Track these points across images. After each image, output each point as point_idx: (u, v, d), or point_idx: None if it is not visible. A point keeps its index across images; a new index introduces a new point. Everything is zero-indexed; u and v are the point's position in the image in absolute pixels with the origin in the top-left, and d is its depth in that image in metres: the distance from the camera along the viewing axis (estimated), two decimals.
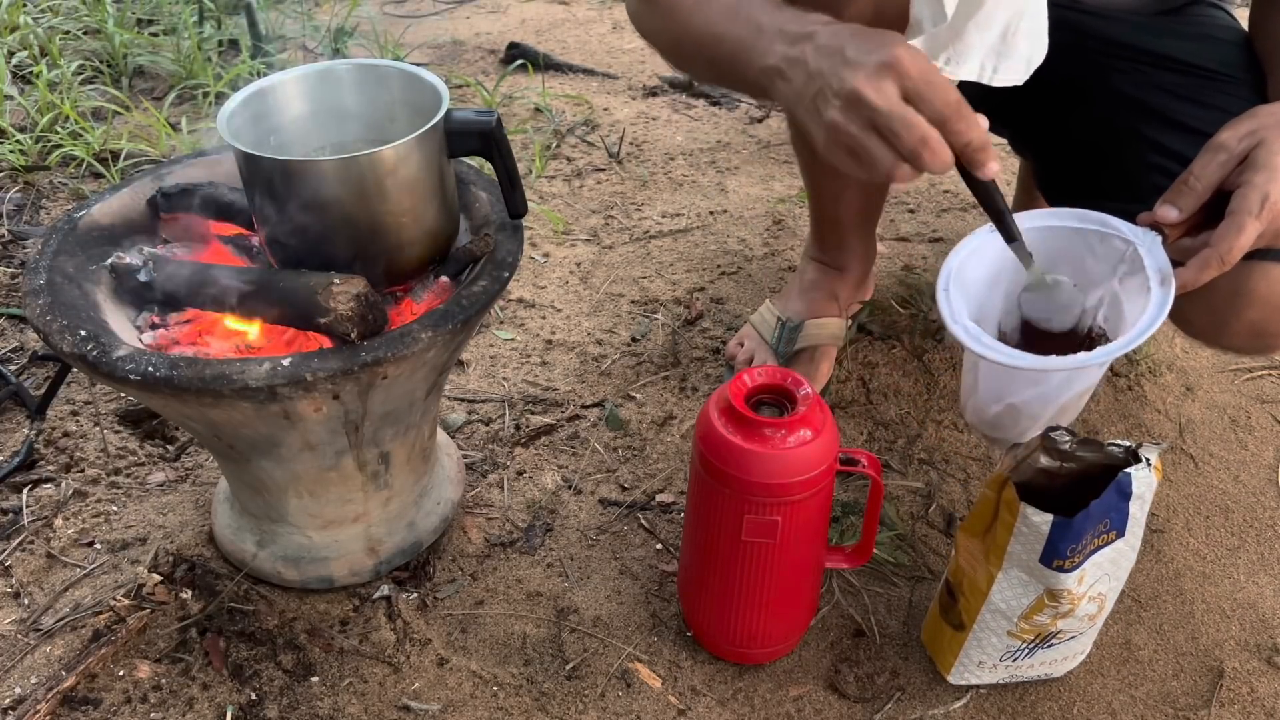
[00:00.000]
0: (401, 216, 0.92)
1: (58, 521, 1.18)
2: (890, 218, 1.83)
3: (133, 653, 1.04)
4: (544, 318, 1.56)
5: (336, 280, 0.87)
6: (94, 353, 0.84)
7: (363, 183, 0.89)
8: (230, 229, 1.06)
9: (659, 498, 1.25)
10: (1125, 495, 0.88)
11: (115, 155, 1.83)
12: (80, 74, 2.08)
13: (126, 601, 1.07)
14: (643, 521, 1.22)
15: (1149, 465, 0.89)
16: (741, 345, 1.44)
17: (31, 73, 2.05)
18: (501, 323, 1.54)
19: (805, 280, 1.44)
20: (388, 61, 0.99)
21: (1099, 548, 0.91)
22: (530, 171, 1.91)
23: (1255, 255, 1.07)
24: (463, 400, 1.39)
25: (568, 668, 1.05)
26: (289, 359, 0.84)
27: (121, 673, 1.02)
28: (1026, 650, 0.99)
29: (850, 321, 1.48)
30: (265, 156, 0.88)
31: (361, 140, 1.00)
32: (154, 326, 0.96)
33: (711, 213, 1.84)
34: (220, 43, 2.23)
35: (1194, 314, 1.16)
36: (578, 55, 2.43)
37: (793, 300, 1.43)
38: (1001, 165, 0.83)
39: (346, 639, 1.06)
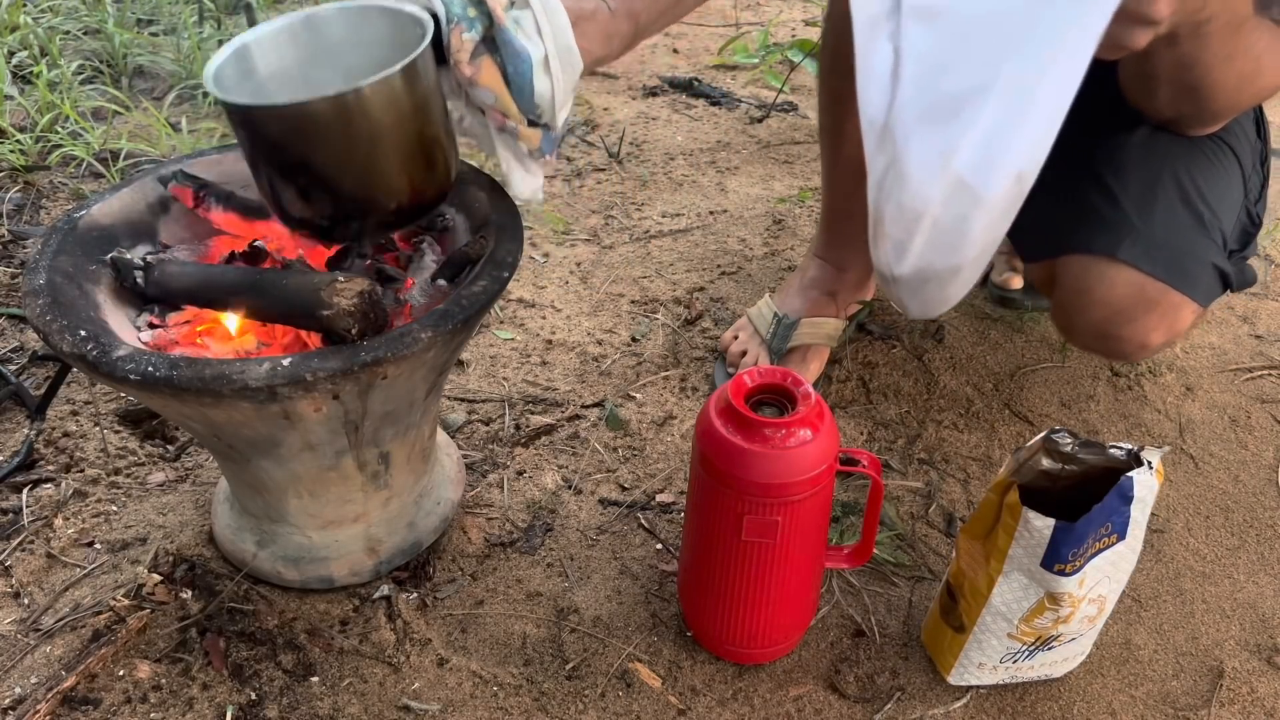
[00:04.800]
0: (399, 148, 0.89)
1: (58, 521, 1.18)
2: None
3: (133, 653, 1.04)
4: (544, 318, 1.56)
5: (340, 277, 0.87)
6: (94, 353, 0.84)
7: (358, 118, 0.85)
8: (231, 226, 1.06)
9: (659, 498, 1.25)
10: (1127, 499, 0.88)
11: (115, 155, 1.83)
12: (80, 74, 2.08)
13: (126, 601, 1.07)
14: (643, 521, 1.22)
15: (1151, 468, 0.89)
16: (736, 338, 1.45)
17: (31, 73, 2.05)
18: (501, 323, 1.54)
19: (806, 278, 1.44)
20: (371, 2, 0.96)
21: (1100, 551, 0.91)
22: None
23: (1095, 249, 1.08)
24: (463, 400, 1.39)
25: (568, 668, 1.05)
26: (289, 359, 0.84)
27: (121, 673, 1.02)
28: (1027, 652, 0.99)
29: (849, 321, 1.48)
30: (259, 105, 0.86)
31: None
32: (153, 326, 0.96)
33: (711, 213, 1.84)
34: (220, 43, 2.23)
35: (1052, 313, 1.17)
36: None
37: (791, 297, 1.43)
38: None
39: (346, 639, 1.06)
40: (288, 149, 0.87)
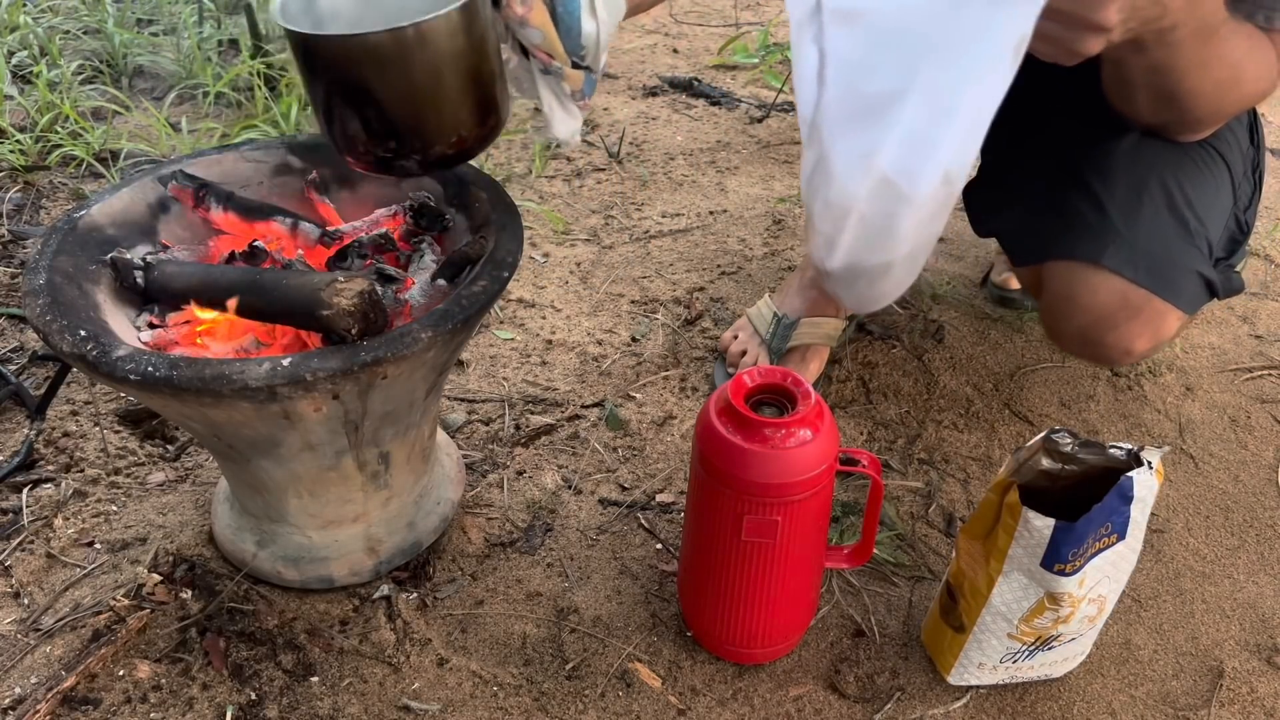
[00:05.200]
0: (459, 83, 0.92)
1: (58, 521, 1.18)
2: None
3: (133, 653, 1.04)
4: (544, 318, 1.56)
5: (340, 277, 0.87)
6: (94, 353, 0.84)
7: (417, 52, 0.88)
8: (231, 226, 1.06)
9: (659, 498, 1.25)
10: (1127, 499, 0.88)
11: (115, 155, 1.83)
12: (80, 74, 2.08)
13: (126, 601, 1.07)
14: (643, 521, 1.22)
15: (1150, 468, 0.89)
16: (735, 338, 1.45)
17: (31, 73, 2.05)
18: (501, 323, 1.54)
19: (806, 277, 1.44)
20: None
21: (1100, 551, 0.91)
22: (530, 171, 1.91)
23: (1079, 255, 1.08)
24: (463, 400, 1.39)
25: (568, 668, 1.05)
26: (289, 359, 0.84)
27: (121, 673, 1.02)
28: (1027, 652, 0.99)
29: (849, 321, 1.48)
30: (322, 35, 0.89)
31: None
32: (153, 326, 0.96)
33: (711, 213, 1.84)
34: (220, 43, 2.23)
35: (1040, 317, 1.18)
36: None
37: (791, 297, 1.44)
38: None
39: (346, 639, 1.06)
40: (347, 79, 0.89)
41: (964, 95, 0.80)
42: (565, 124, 1.04)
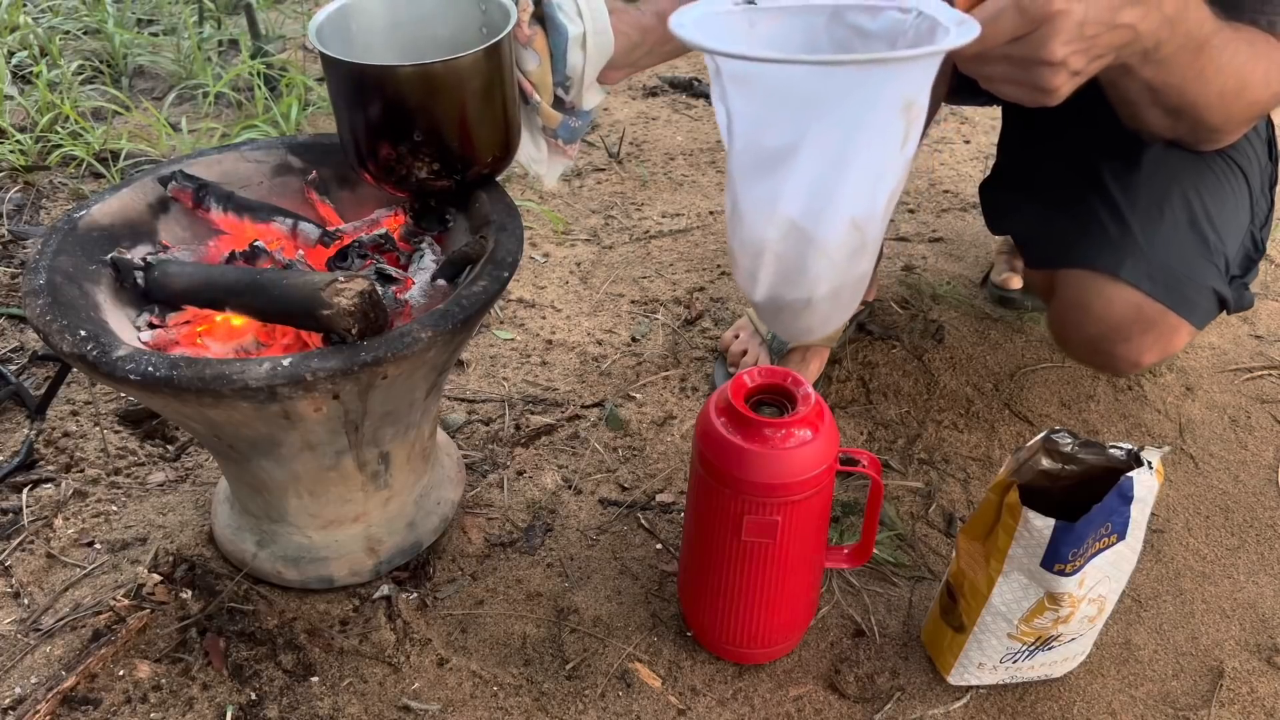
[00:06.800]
0: (490, 108, 0.99)
1: (58, 521, 1.18)
2: (890, 218, 1.83)
3: (133, 653, 1.04)
4: (544, 318, 1.56)
5: (340, 277, 0.87)
6: (94, 353, 0.84)
7: (457, 81, 0.95)
8: (231, 226, 1.06)
9: (659, 498, 1.25)
10: (1127, 499, 0.88)
11: (115, 155, 1.83)
12: (80, 74, 2.08)
13: (126, 601, 1.07)
14: (643, 521, 1.22)
15: (1151, 468, 0.89)
16: (736, 337, 1.45)
17: (31, 73, 2.05)
18: (501, 323, 1.54)
19: None
20: None
21: (1100, 551, 0.91)
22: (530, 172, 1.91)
23: (1097, 266, 1.08)
24: (463, 400, 1.39)
25: (568, 668, 1.05)
26: (289, 359, 0.84)
27: (121, 673, 1.02)
28: (1027, 652, 0.99)
29: (849, 321, 1.48)
30: (402, 65, 0.93)
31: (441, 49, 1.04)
32: (153, 326, 0.96)
33: (711, 213, 1.84)
34: (220, 43, 2.23)
35: (1049, 322, 1.18)
36: None
37: None
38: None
39: (346, 639, 1.06)
40: (404, 105, 0.95)
41: (854, 150, 0.82)
42: (523, 150, 1.10)
